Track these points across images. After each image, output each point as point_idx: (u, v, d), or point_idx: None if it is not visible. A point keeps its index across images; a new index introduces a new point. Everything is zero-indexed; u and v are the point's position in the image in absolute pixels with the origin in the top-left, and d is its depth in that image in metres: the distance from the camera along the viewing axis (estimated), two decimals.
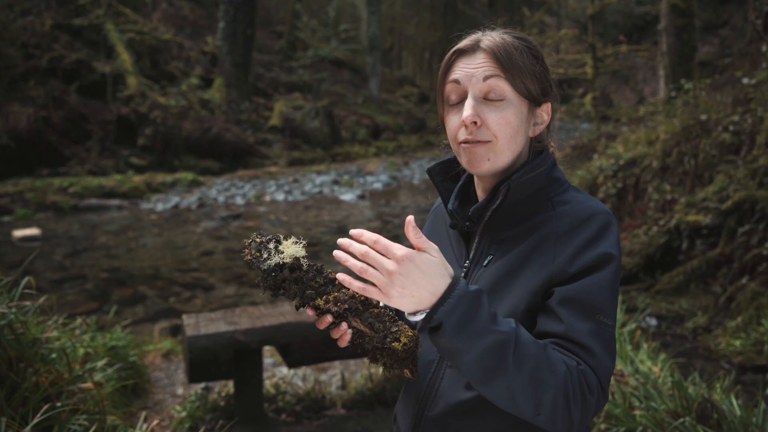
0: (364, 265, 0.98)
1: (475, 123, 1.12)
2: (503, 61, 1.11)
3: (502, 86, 1.11)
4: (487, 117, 1.12)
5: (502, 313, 1.08)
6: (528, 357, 0.98)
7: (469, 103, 1.12)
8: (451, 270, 1.01)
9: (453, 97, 1.17)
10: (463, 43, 1.16)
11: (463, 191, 1.27)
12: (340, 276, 1.03)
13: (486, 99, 1.12)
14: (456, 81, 1.14)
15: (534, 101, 1.15)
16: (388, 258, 0.97)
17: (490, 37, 1.15)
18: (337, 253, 1.02)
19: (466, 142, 1.14)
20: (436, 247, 1.01)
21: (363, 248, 0.98)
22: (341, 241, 1.00)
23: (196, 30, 19.25)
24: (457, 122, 1.15)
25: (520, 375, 0.97)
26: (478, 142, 1.13)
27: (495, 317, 1.00)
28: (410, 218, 0.98)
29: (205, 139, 14.68)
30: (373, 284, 0.99)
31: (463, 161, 1.17)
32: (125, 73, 14.87)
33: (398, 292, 0.97)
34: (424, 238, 1.00)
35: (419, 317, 1.00)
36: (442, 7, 26.91)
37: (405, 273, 0.96)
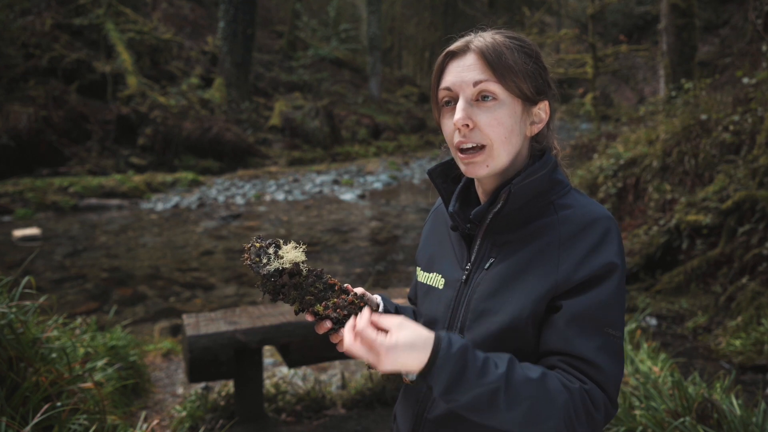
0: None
1: (468, 126, 1.12)
2: (493, 61, 1.10)
3: (493, 88, 1.11)
4: (479, 119, 1.11)
5: (504, 318, 1.09)
6: (522, 397, 0.99)
7: (460, 106, 1.12)
8: (427, 333, 1.00)
9: (447, 101, 1.17)
10: (454, 45, 1.16)
11: (463, 193, 1.27)
12: None
13: (477, 101, 1.12)
14: (448, 88, 1.15)
15: (528, 100, 1.14)
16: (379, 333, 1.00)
17: (481, 38, 1.14)
18: None
19: (462, 150, 1.14)
20: (399, 320, 1.01)
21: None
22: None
23: (196, 30, 19.25)
24: (451, 126, 1.15)
25: (513, 414, 0.99)
26: (474, 148, 1.13)
27: (483, 369, 0.99)
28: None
29: (205, 139, 14.67)
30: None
31: (461, 167, 1.17)
32: (125, 73, 14.86)
33: (391, 360, 0.98)
34: (384, 316, 1.02)
35: (411, 378, 1.05)
36: (442, 6, 26.92)
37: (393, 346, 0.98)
